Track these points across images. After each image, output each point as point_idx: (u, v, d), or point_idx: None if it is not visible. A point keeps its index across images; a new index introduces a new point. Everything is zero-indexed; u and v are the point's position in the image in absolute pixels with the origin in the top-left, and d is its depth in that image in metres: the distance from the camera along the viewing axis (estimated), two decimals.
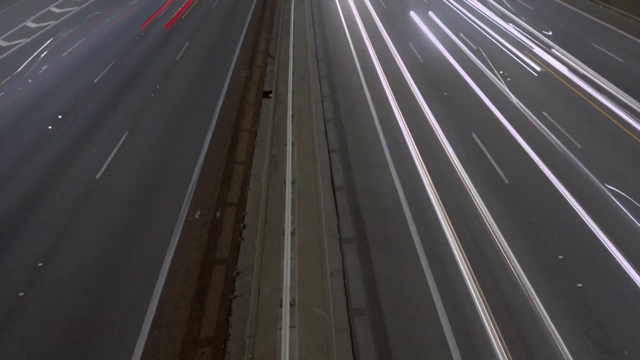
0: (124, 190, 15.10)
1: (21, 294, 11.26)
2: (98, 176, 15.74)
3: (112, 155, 16.86)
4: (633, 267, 12.12)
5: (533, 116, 19.46)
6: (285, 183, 13.84)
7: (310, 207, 13.48)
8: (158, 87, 22.27)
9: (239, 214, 14.10)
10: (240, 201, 14.68)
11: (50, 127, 18.73)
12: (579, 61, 24.97)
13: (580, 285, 11.54)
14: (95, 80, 22.73)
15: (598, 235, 13.21)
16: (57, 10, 33.75)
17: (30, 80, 22.72)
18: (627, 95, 21.23)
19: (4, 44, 27.51)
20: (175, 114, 19.87)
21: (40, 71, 23.77)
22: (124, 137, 18.00)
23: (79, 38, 28.12)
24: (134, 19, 32.08)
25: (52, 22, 31.15)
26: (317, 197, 13.88)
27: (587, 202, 14.54)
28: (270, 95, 20.92)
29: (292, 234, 11.94)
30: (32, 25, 30.69)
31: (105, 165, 16.30)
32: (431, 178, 15.68)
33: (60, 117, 19.53)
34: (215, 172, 16.07)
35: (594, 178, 15.66)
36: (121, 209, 14.22)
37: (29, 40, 28.04)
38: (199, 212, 14.15)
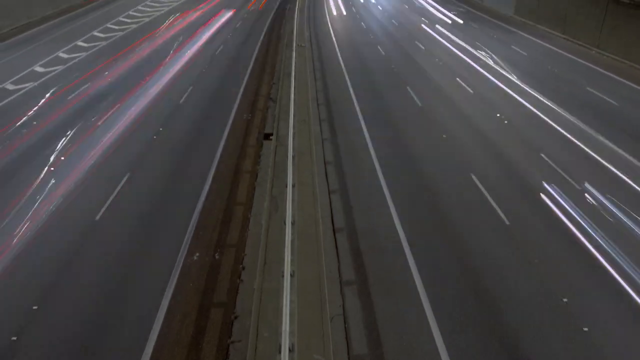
0: (123, 231, 15.02)
1: (14, 338, 10.98)
2: (97, 217, 15.70)
3: (112, 197, 16.89)
4: None
5: (532, 158, 19.64)
6: (285, 224, 13.78)
7: (311, 249, 13.35)
8: (161, 129, 22.61)
9: (238, 256, 13.95)
10: (240, 242, 14.57)
11: (52, 169, 18.88)
12: (572, 104, 25.45)
13: (586, 329, 11.25)
14: (100, 123, 23.09)
15: (604, 278, 13.01)
16: (65, 56, 34.78)
17: (35, 123, 23.11)
18: (624, 137, 21.50)
19: (11, 87, 28.18)
20: (176, 156, 20.06)
21: (46, 114, 24.21)
22: (124, 179, 18.09)
23: (84, 82, 28.83)
24: (140, 65, 32.98)
25: (60, 67, 32.03)
26: (317, 239, 13.78)
27: (591, 242, 14.42)
28: (271, 137, 21.19)
29: (291, 276, 11.76)
30: (40, 69, 31.54)
31: (105, 207, 16.29)
32: (431, 218, 15.62)
33: (62, 158, 19.72)
34: (215, 214, 16.04)
35: (595, 219, 15.60)
36: (119, 251, 14.10)
37: (35, 84, 28.74)
38: (197, 254, 14.01)
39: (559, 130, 22.19)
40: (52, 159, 19.67)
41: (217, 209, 16.34)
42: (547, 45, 38.22)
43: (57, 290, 12.50)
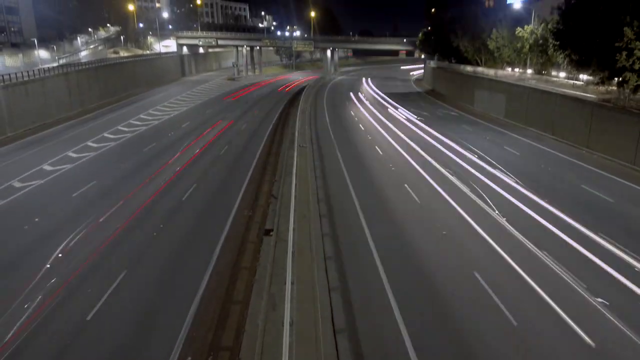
0: (114, 333, 14.36)
1: None
2: (89, 317, 15.12)
3: (106, 295, 16.42)
4: None
5: (535, 256, 19.39)
6: (283, 325, 13.20)
7: (310, 352, 12.65)
8: (161, 226, 22.66)
9: None
10: (235, 344, 13.83)
11: (48, 266, 18.59)
12: (568, 203, 25.74)
13: None
14: (101, 220, 23.21)
15: None
16: (74, 155, 36.02)
17: (37, 220, 23.23)
18: (624, 236, 21.39)
19: (18, 185, 28.78)
20: (175, 253, 19.87)
21: (49, 210, 24.43)
22: (121, 276, 17.73)
23: (90, 180, 29.48)
24: (145, 164, 34.02)
25: (68, 166, 33.02)
26: (317, 341, 13.10)
27: (604, 344, 13.68)
28: (271, 233, 21.18)
29: None
30: (48, 168, 32.48)
31: (98, 305, 15.76)
32: (436, 318, 15.00)
33: (60, 255, 19.50)
34: (211, 313, 15.45)
35: (608, 320, 14.98)
36: (109, 354, 13.36)
37: (42, 181, 29.40)
38: (190, 358, 13.24)
39: (557, 229, 22.12)
40: (50, 255, 19.45)
41: (213, 307, 15.78)
42: (539, 145, 39.68)
43: None
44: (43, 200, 26.21)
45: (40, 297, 16.35)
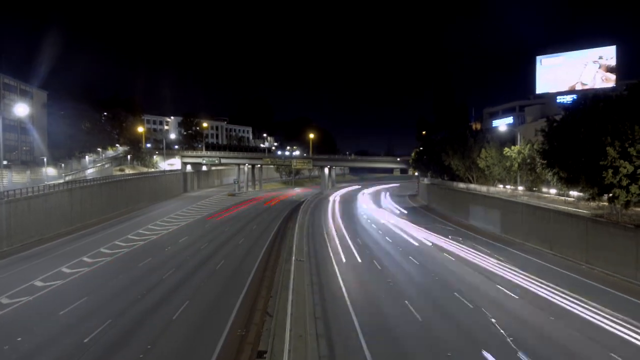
0: None
1: None
2: None
3: None
4: None
5: None
6: None
7: None
8: (149, 347, 21.45)
9: None
10: None
11: None
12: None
13: None
14: (86, 340, 22.02)
15: None
16: (68, 271, 35.38)
17: (19, 339, 22.04)
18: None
19: (6, 301, 27.81)
20: None
21: (33, 330, 23.30)
22: None
23: (81, 297, 28.59)
24: (139, 280, 33.32)
25: (60, 282, 32.24)
26: None
27: None
28: (265, 355, 19.98)
29: None
30: (39, 284, 31.68)
31: None
32: None
33: None
34: None
35: None
36: None
37: (31, 298, 28.47)
38: None
39: (568, 345, 21.05)
40: None
41: None
42: (537, 260, 39.29)
43: None
44: (29, 318, 25.13)
45: None
